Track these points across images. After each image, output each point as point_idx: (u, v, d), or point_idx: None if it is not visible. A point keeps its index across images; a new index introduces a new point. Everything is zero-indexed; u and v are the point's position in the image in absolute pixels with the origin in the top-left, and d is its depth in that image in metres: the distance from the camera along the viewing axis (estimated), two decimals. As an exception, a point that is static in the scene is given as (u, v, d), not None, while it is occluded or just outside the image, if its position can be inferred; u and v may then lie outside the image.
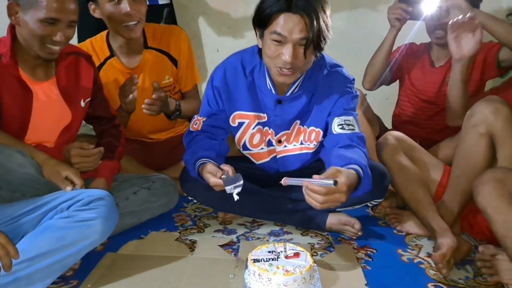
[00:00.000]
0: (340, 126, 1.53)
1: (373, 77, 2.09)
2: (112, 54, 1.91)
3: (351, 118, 1.55)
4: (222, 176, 1.42)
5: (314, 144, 1.63)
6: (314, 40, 1.38)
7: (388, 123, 2.32)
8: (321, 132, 1.60)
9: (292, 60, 1.40)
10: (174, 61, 1.98)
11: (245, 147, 1.68)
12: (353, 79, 1.61)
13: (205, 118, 1.64)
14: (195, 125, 1.66)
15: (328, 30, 1.40)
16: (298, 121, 1.62)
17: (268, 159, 1.69)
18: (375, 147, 1.80)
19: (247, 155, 1.71)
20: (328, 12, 1.40)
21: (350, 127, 1.52)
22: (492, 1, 2.41)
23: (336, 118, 1.54)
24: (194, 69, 2.06)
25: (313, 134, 1.61)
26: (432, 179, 1.74)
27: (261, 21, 1.42)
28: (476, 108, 1.44)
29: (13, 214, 1.25)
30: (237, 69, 1.61)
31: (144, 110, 1.79)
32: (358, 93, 1.65)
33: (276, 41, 1.39)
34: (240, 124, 1.64)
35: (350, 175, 1.30)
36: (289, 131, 1.64)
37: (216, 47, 2.79)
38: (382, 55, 2.03)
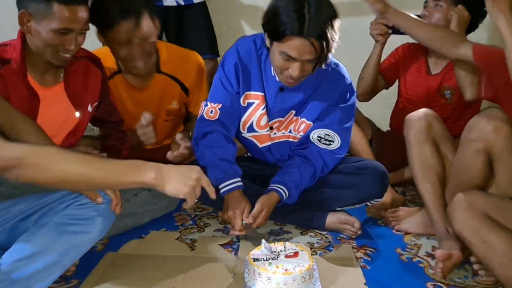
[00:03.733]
0: (318, 138, 1.60)
1: (364, 90, 2.12)
2: (120, 70, 1.83)
3: (332, 133, 1.60)
4: (244, 222, 1.50)
5: (300, 135, 1.65)
6: (323, 60, 1.43)
7: (387, 124, 2.32)
8: (311, 125, 1.63)
9: (300, 75, 1.45)
10: (185, 89, 1.91)
11: (251, 128, 1.67)
12: (351, 83, 1.64)
13: (220, 105, 1.62)
14: (211, 112, 1.63)
15: (334, 43, 1.43)
16: (294, 111, 1.64)
17: (270, 142, 1.69)
18: (405, 122, 1.67)
19: (250, 138, 1.70)
20: (336, 25, 1.42)
21: (327, 142, 1.60)
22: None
23: (319, 130, 1.60)
24: (206, 95, 1.96)
25: (303, 126, 1.64)
26: None
27: (272, 33, 1.43)
28: (476, 123, 1.39)
29: (16, 214, 1.25)
30: (250, 49, 1.62)
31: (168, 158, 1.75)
32: (355, 99, 1.66)
33: (285, 58, 1.42)
34: (250, 104, 1.64)
35: (271, 203, 1.55)
36: (283, 119, 1.65)
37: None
38: (370, 69, 2.06)
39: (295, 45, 1.38)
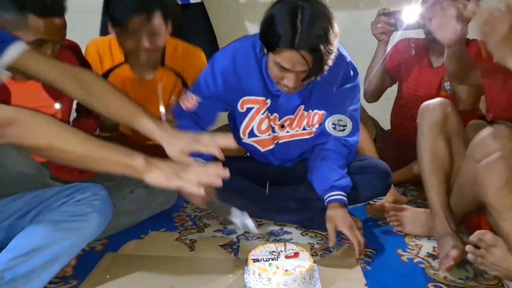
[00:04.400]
0: (333, 126, 1.59)
1: (373, 91, 2.12)
2: (126, 61, 1.88)
3: (343, 117, 1.59)
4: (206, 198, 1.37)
5: (316, 128, 1.64)
6: (315, 72, 1.41)
7: (387, 124, 2.32)
8: (325, 114, 1.62)
9: (295, 85, 1.44)
10: (186, 85, 1.94)
11: (252, 133, 1.66)
12: (350, 61, 1.61)
13: (200, 99, 1.60)
14: (189, 103, 1.61)
15: (331, 53, 1.40)
16: (302, 106, 1.62)
17: (272, 146, 1.68)
18: (419, 110, 1.60)
19: (252, 143, 1.68)
20: (332, 37, 1.37)
21: (341, 127, 1.59)
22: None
23: (333, 116, 1.59)
24: None
25: (316, 117, 1.63)
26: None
27: (266, 45, 1.42)
28: (482, 142, 1.32)
29: (13, 212, 1.24)
30: (248, 53, 1.58)
31: None
32: (358, 79, 1.65)
33: (280, 69, 1.41)
34: (249, 109, 1.63)
35: (341, 214, 1.47)
36: (292, 116, 1.64)
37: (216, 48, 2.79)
38: (376, 70, 2.05)
39: (287, 57, 1.37)
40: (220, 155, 1.21)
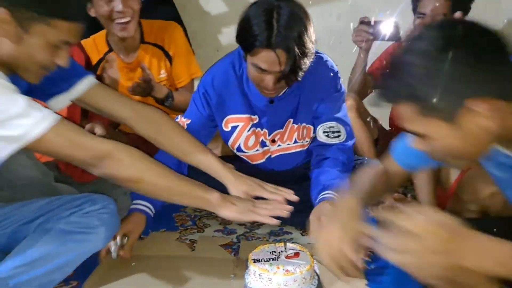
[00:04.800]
0: (326, 134, 1.57)
1: (357, 94, 2.11)
2: (111, 49, 1.99)
3: (335, 124, 1.57)
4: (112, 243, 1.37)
5: (307, 141, 1.63)
6: (289, 74, 1.39)
7: (387, 124, 2.32)
8: (312, 128, 1.61)
9: (274, 87, 1.43)
10: (169, 56, 2.01)
11: (239, 149, 1.66)
12: (337, 71, 1.60)
13: (189, 121, 1.61)
14: None
15: (306, 56, 1.37)
16: (291, 120, 1.62)
17: (263, 160, 1.68)
18: None
19: (242, 156, 1.70)
20: (307, 38, 1.36)
21: (335, 134, 1.57)
22: (491, 2, 2.42)
23: (321, 125, 1.57)
24: (191, 65, 2.06)
25: (305, 131, 1.62)
26: (449, 178, 1.64)
27: (244, 46, 1.42)
28: (473, 187, 1.38)
29: (19, 219, 1.24)
30: (227, 73, 1.59)
31: (129, 91, 1.82)
32: (344, 88, 1.65)
33: (258, 71, 1.40)
34: (234, 128, 1.63)
35: (329, 207, 1.35)
36: (282, 130, 1.64)
37: (216, 47, 2.79)
38: (357, 75, 2.06)
39: (264, 57, 1.35)
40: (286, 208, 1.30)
